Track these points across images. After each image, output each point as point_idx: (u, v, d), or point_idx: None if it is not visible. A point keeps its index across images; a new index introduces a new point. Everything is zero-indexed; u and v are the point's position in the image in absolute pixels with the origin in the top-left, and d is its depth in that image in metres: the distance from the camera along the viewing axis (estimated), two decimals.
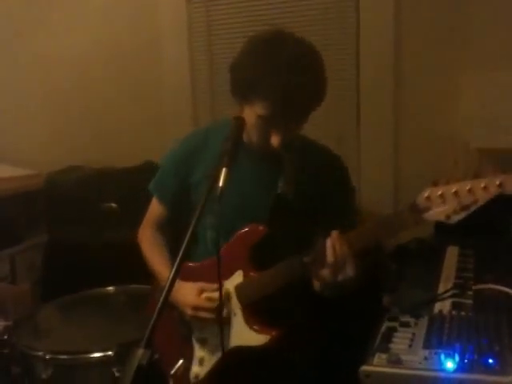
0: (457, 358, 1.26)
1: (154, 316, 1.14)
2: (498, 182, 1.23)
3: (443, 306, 1.56)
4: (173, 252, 1.80)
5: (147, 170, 2.96)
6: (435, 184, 1.32)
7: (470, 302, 1.57)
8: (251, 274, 1.64)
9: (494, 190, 1.24)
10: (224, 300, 1.64)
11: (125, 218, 2.84)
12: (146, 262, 1.89)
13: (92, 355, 1.95)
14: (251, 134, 1.60)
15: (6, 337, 2.12)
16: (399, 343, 1.37)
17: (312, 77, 1.51)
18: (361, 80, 2.74)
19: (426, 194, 1.32)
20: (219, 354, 1.66)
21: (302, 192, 1.67)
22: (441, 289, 1.66)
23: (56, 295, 2.47)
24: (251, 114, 1.54)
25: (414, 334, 1.40)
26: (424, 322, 1.46)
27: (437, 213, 1.32)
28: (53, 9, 3.31)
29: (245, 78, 1.53)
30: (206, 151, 1.74)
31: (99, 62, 3.26)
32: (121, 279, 2.46)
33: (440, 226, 2.39)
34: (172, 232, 1.91)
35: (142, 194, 2.73)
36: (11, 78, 3.47)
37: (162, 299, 1.17)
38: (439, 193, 1.29)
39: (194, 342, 1.75)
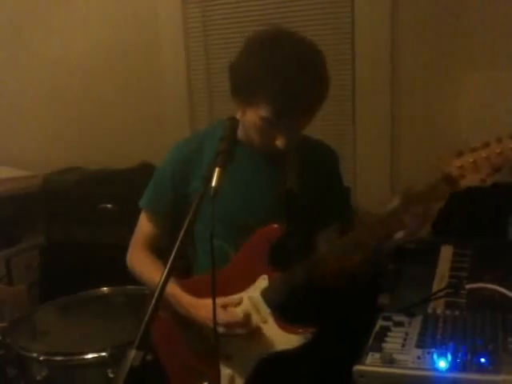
0: (449, 357, 1.26)
1: (147, 316, 1.12)
2: None
3: (437, 306, 1.55)
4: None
5: (144, 170, 2.97)
6: (460, 154, 1.36)
7: (463, 301, 1.57)
8: (276, 275, 1.60)
9: None
10: (250, 310, 1.60)
11: (122, 219, 2.84)
12: (141, 282, 1.81)
13: (86, 356, 1.95)
14: (253, 136, 1.59)
15: (1, 338, 2.12)
16: (392, 342, 1.37)
17: (315, 77, 1.50)
18: (356, 80, 2.73)
19: (457, 164, 1.35)
20: (250, 369, 1.61)
21: (308, 188, 1.68)
22: (435, 288, 1.66)
23: (53, 296, 2.46)
24: (254, 115, 1.52)
25: (407, 334, 1.40)
26: (418, 321, 1.46)
27: (472, 179, 1.35)
28: (52, 10, 3.30)
29: (247, 80, 1.51)
30: (202, 156, 1.71)
31: (97, 63, 3.26)
32: (118, 280, 2.45)
33: (437, 226, 2.39)
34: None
35: (139, 195, 2.72)
36: (9, 78, 3.47)
37: (155, 298, 1.14)
38: (471, 160, 1.34)
39: (221, 358, 1.66)
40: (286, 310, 1.59)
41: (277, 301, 1.59)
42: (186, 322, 1.67)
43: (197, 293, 1.64)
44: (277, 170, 1.69)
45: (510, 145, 1.31)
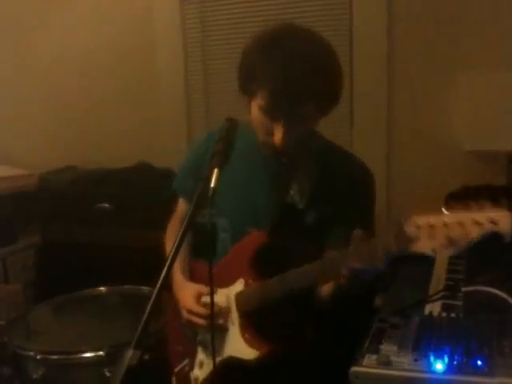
0: (446, 359, 1.26)
1: (145, 316, 1.12)
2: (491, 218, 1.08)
3: (433, 308, 1.56)
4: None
5: (141, 170, 2.97)
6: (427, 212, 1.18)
7: (459, 303, 1.57)
8: (250, 282, 1.59)
9: (486, 227, 1.08)
10: (225, 308, 1.62)
11: (119, 219, 2.84)
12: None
13: (83, 355, 1.95)
14: (260, 135, 1.55)
15: None
16: (389, 344, 1.37)
17: (314, 72, 1.44)
18: (354, 82, 2.74)
19: (416, 223, 1.18)
20: (217, 359, 1.61)
21: (316, 200, 1.61)
22: (431, 290, 1.66)
23: (49, 296, 2.46)
24: (256, 108, 1.49)
25: (403, 336, 1.40)
26: (414, 323, 1.46)
27: (424, 245, 1.17)
28: (50, 11, 3.30)
29: (248, 70, 1.50)
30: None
31: (94, 63, 3.26)
32: (114, 279, 2.46)
33: None
34: None
35: (136, 195, 2.71)
36: (6, 78, 3.47)
37: (155, 293, 1.15)
38: (430, 223, 1.16)
39: (198, 343, 1.72)
40: (281, 312, 1.57)
41: (246, 307, 1.59)
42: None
43: (196, 279, 1.70)
44: (290, 176, 1.64)
45: (471, 218, 1.09)
